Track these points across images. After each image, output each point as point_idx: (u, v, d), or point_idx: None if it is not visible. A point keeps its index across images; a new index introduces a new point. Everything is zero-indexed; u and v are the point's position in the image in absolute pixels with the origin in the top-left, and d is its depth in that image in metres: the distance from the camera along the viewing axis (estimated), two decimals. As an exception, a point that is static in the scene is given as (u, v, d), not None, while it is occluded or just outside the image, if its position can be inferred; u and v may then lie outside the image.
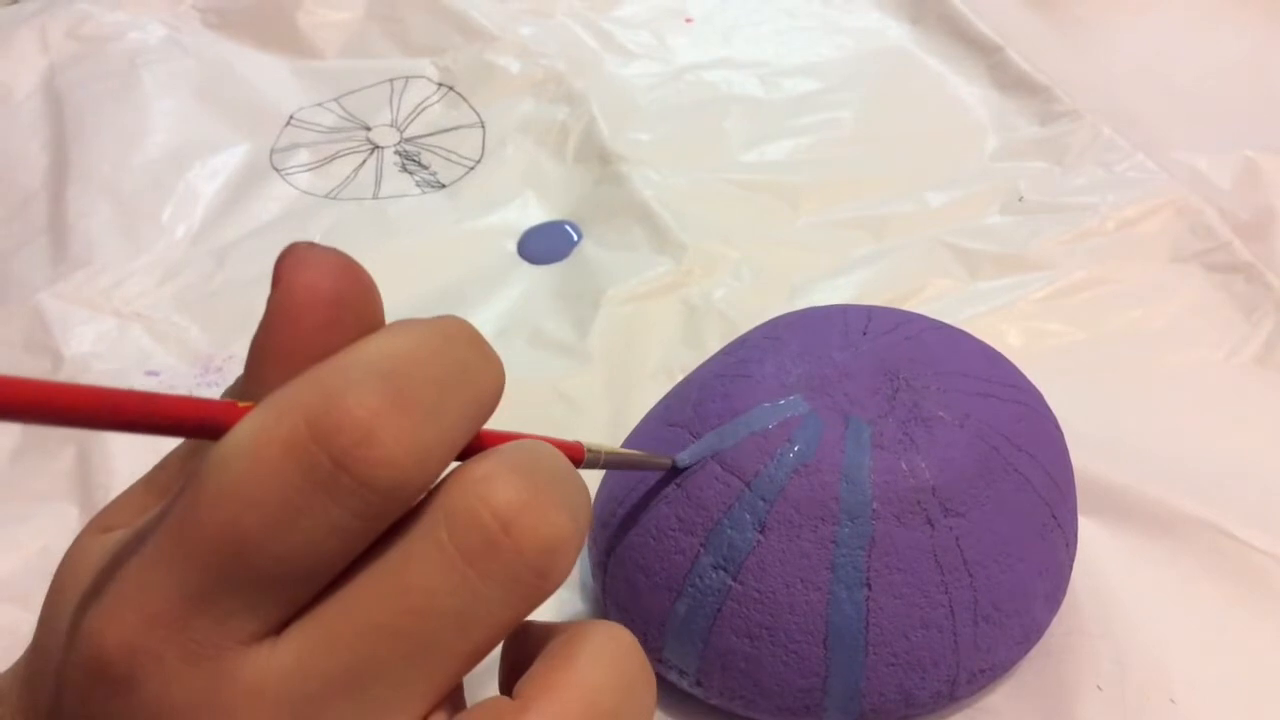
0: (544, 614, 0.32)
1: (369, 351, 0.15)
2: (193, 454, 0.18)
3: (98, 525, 0.17)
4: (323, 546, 0.14)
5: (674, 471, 0.28)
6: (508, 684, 0.17)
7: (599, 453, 0.24)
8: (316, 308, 0.16)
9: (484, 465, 0.15)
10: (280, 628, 0.15)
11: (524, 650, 0.17)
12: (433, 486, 0.15)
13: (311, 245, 0.16)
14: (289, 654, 0.14)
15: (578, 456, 0.23)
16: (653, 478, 0.29)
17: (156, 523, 0.15)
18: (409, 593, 0.15)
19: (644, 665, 0.17)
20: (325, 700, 0.14)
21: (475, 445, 0.17)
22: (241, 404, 0.15)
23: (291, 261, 0.16)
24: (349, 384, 0.14)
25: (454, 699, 0.16)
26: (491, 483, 0.15)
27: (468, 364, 0.16)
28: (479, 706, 0.16)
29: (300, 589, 0.14)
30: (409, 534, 0.15)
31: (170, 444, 0.19)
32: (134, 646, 0.14)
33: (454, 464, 0.16)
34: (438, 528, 0.15)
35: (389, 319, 0.31)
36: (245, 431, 0.14)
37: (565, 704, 0.15)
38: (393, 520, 0.15)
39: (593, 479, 0.33)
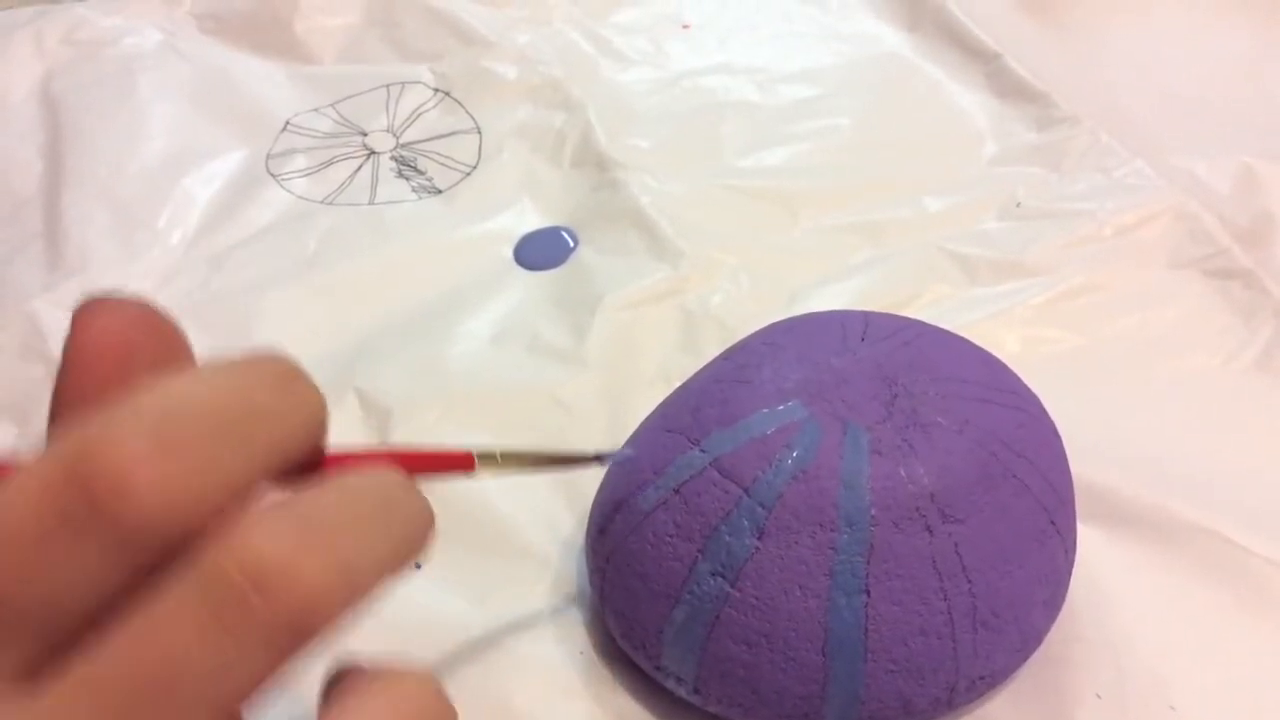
0: (541, 622, 0.32)
1: (148, 396, 0.15)
2: None
3: None
4: (75, 591, 0.14)
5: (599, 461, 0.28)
6: None
7: (493, 456, 0.23)
8: (106, 355, 0.16)
9: (250, 517, 0.15)
10: (48, 673, 0.15)
11: (333, 691, 0.17)
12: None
13: (109, 295, 0.16)
14: (46, 702, 0.14)
15: (467, 466, 0.23)
16: (650, 483, 0.29)
17: None
18: (159, 648, 0.14)
19: None
20: None
21: (321, 466, 0.18)
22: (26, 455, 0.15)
23: (86, 310, 0.16)
24: (112, 427, 0.14)
25: None
26: (248, 537, 0.15)
27: (262, 408, 0.16)
28: None
29: (58, 635, 0.14)
30: (167, 587, 0.15)
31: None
32: None
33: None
34: (190, 583, 0.15)
35: (385, 326, 0.32)
36: (16, 478, 0.14)
37: None
38: (153, 565, 0.15)
39: (591, 484, 0.33)
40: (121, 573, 0.14)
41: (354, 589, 0.16)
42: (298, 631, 0.15)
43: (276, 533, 0.15)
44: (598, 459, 0.28)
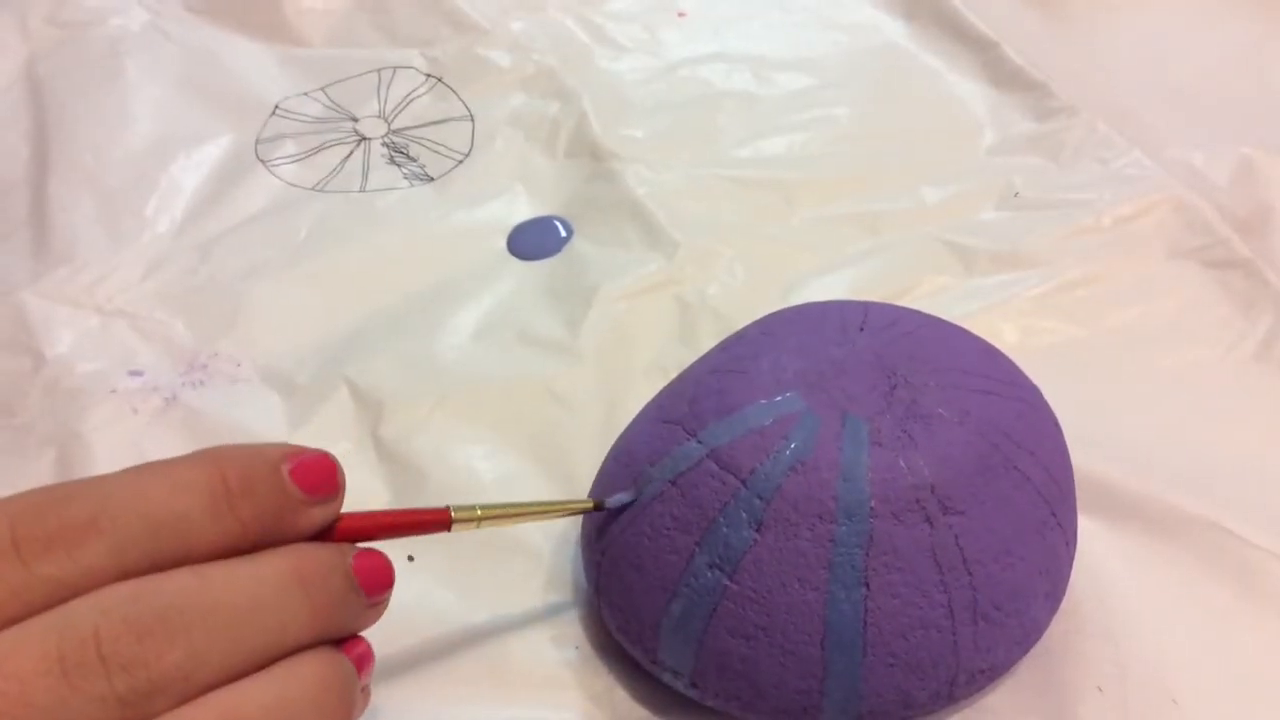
0: (535, 618, 0.32)
1: (167, 590, 0.18)
2: None
3: None
4: None
5: (600, 509, 0.29)
6: None
7: (474, 511, 0.25)
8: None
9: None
10: None
11: None
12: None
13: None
14: None
15: (441, 521, 0.24)
16: (649, 476, 0.28)
17: None
18: (3, 676, 0.16)
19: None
20: None
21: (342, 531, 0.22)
22: None
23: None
24: (125, 615, 0.17)
25: None
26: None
27: (266, 619, 0.19)
28: None
29: None
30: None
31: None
32: None
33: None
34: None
35: (376, 316, 0.35)
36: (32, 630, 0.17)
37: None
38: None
39: (586, 477, 0.32)
40: None
41: (199, 675, 0.18)
42: (127, 704, 0.17)
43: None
44: (597, 507, 0.28)
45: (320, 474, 0.21)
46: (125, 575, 0.18)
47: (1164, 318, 0.39)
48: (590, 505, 0.28)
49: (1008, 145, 0.48)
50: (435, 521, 0.24)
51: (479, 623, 0.31)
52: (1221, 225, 0.42)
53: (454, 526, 0.24)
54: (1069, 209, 0.43)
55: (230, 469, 0.20)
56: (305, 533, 0.21)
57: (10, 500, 0.18)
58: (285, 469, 0.20)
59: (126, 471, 0.19)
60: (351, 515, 0.22)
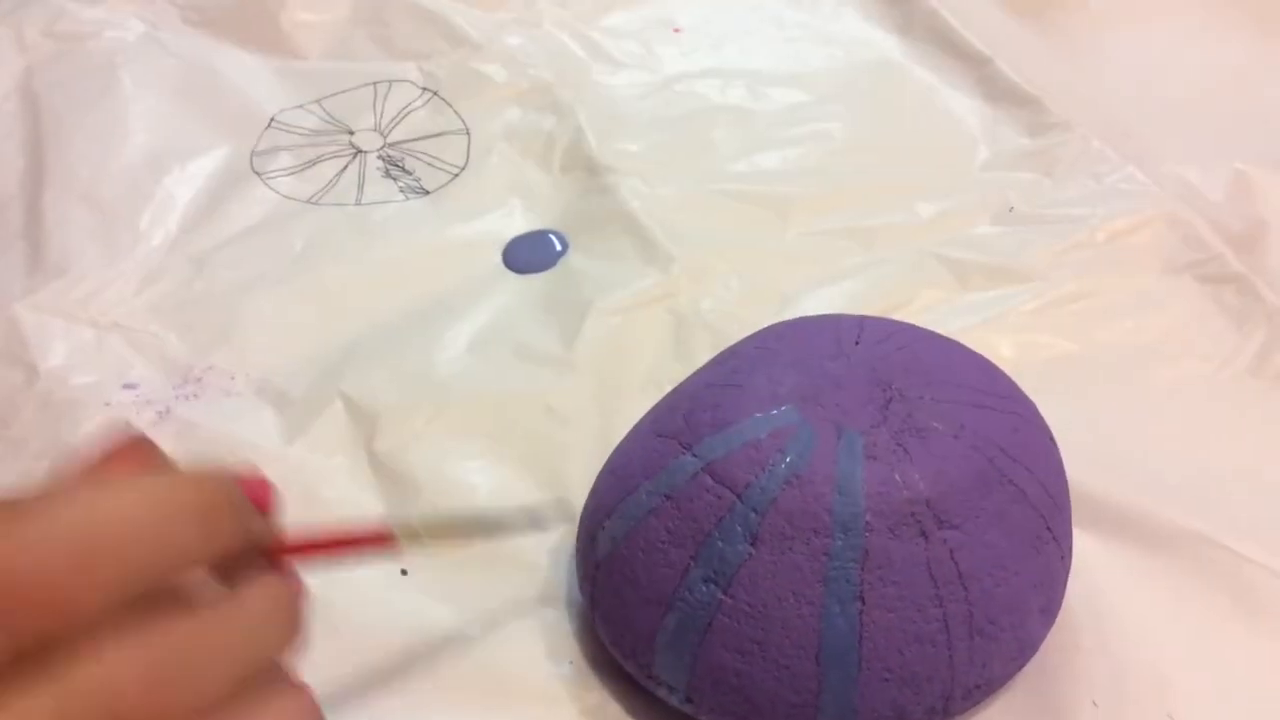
0: (530, 632, 0.32)
1: (68, 510, 0.17)
2: None
3: None
4: None
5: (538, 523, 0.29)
6: None
7: (413, 529, 0.24)
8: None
9: (111, 649, 0.16)
10: None
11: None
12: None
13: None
14: None
15: (385, 541, 0.23)
16: (641, 489, 0.28)
17: None
18: None
19: None
20: None
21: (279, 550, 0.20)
22: None
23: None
24: (35, 543, 0.16)
25: None
26: (112, 670, 0.16)
27: (179, 545, 0.17)
28: None
29: None
30: (30, 687, 0.16)
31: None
32: None
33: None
34: (56, 700, 0.15)
35: (371, 329, 0.32)
36: None
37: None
38: (28, 652, 0.16)
39: (581, 491, 0.32)
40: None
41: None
42: None
43: (136, 673, 0.16)
44: (532, 522, 0.29)
45: (261, 489, 0.20)
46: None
47: (1158, 333, 0.39)
48: (525, 521, 0.29)
49: (1002, 160, 0.48)
50: (380, 542, 0.23)
51: (473, 637, 0.31)
52: (1215, 240, 0.42)
53: (399, 542, 0.23)
54: (1063, 224, 0.43)
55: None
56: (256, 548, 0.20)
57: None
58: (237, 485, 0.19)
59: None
60: (292, 536, 0.21)
